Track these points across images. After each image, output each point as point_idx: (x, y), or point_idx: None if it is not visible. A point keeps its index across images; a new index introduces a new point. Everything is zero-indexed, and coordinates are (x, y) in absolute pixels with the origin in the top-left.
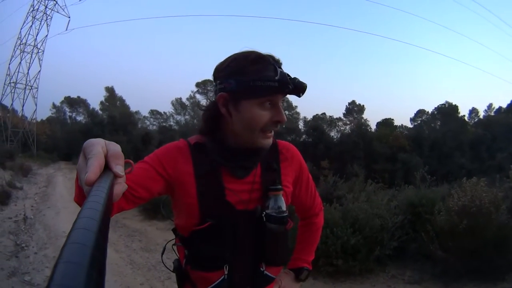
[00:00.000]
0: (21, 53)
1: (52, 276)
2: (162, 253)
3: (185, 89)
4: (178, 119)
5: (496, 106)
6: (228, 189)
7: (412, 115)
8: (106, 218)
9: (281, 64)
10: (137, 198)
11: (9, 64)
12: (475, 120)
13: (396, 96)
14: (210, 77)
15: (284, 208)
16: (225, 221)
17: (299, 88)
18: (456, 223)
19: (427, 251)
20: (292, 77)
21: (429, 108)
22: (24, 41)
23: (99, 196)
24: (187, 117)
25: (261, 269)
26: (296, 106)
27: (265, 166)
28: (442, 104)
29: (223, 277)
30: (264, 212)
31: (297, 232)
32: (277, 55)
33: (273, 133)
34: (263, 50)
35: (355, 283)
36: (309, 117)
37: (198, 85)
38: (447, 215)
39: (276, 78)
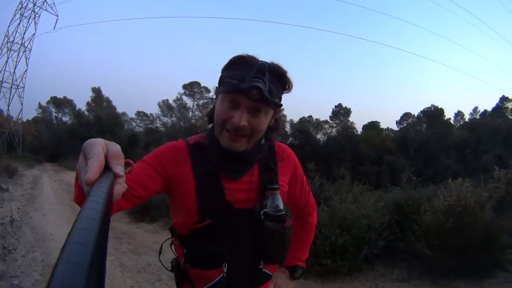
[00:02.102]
0: (8, 51)
1: (52, 276)
2: (160, 253)
3: (172, 91)
4: (164, 120)
5: (481, 109)
6: (227, 188)
7: (398, 118)
8: (106, 218)
9: (264, 72)
10: (136, 198)
11: None
12: (461, 123)
13: (383, 99)
14: (197, 79)
15: (281, 206)
16: (223, 219)
17: (245, 89)
18: (442, 222)
19: (415, 250)
20: (261, 84)
21: (415, 111)
22: (11, 39)
23: (99, 196)
24: (173, 119)
25: (260, 266)
26: (283, 109)
27: (262, 166)
28: (428, 107)
29: (222, 274)
30: (262, 211)
31: (291, 231)
32: (263, 57)
33: (243, 139)
34: (250, 52)
35: (345, 282)
36: (296, 119)
37: (185, 87)
38: (434, 215)
39: (241, 77)
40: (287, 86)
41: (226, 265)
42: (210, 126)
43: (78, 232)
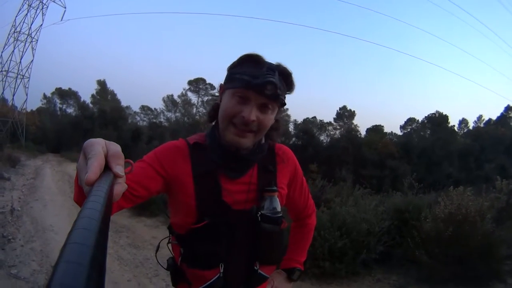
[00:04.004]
0: (15, 41)
1: (53, 276)
2: (156, 251)
3: (177, 86)
4: (168, 116)
5: (486, 118)
6: (225, 189)
7: (402, 122)
8: (106, 218)
9: (274, 71)
10: (136, 197)
11: (2, 52)
12: (465, 131)
13: (387, 103)
14: (203, 76)
15: (279, 209)
16: (221, 220)
17: (258, 85)
18: (442, 230)
19: (413, 256)
20: (273, 80)
21: (420, 117)
22: (18, 29)
23: (99, 196)
24: (177, 114)
25: (255, 268)
26: (287, 109)
27: (261, 168)
28: (432, 114)
29: (218, 275)
30: (260, 212)
31: (289, 233)
32: (269, 57)
33: (250, 135)
34: (257, 51)
35: (342, 285)
36: (300, 120)
37: (190, 83)
38: (434, 222)
39: (252, 74)
40: (291, 87)
41: (223, 265)
42: (212, 124)
43: (78, 232)
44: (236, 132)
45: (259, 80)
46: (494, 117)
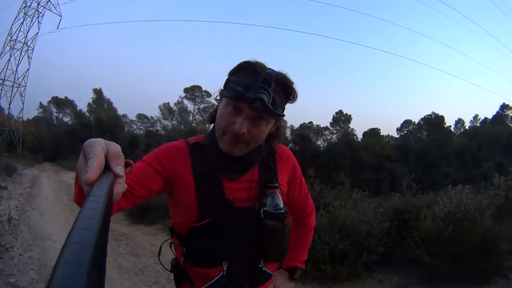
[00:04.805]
0: (11, 50)
1: (52, 276)
2: (159, 254)
3: (173, 94)
4: (165, 124)
5: (482, 117)
6: (226, 187)
7: (399, 125)
8: (107, 218)
9: (271, 82)
10: (136, 197)
11: None
12: (461, 131)
13: (383, 106)
14: (199, 83)
15: (281, 205)
16: (223, 218)
17: (248, 99)
18: (442, 228)
19: (414, 256)
20: (265, 95)
21: (416, 119)
22: (14, 37)
23: (99, 196)
24: (174, 122)
25: (260, 265)
26: (283, 115)
27: (262, 165)
28: (428, 115)
29: (222, 273)
30: (262, 209)
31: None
32: (265, 63)
33: (242, 145)
34: (253, 56)
35: (343, 287)
36: (296, 125)
37: (186, 90)
38: (433, 221)
39: (246, 85)
40: (291, 97)
41: (226, 263)
42: (211, 126)
43: (78, 232)
44: (228, 141)
45: (249, 93)
46: (490, 116)
